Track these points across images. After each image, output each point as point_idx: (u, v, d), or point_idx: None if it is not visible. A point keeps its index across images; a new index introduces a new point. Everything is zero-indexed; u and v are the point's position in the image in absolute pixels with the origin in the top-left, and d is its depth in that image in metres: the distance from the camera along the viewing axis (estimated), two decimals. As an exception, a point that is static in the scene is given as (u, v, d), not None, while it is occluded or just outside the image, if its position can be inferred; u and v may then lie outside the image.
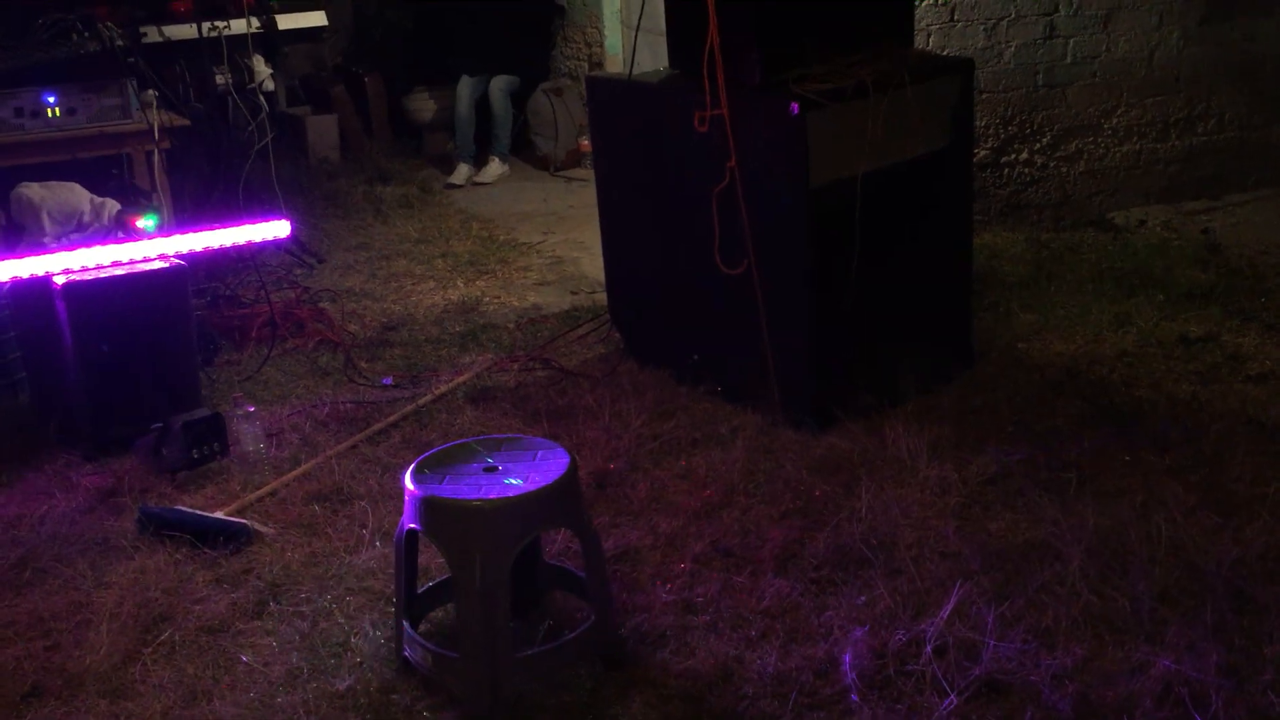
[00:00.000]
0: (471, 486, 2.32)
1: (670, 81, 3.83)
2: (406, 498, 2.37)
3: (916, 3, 4.56)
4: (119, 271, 3.46)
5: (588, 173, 6.39)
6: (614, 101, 4.10)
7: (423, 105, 7.93)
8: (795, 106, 3.29)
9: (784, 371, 3.58)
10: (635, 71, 3.97)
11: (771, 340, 3.58)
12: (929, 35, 4.99)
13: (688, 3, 3.54)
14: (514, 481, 2.33)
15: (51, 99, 4.11)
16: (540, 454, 2.45)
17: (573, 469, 2.39)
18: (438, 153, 7.74)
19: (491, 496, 2.28)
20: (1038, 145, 5.34)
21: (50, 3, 4.90)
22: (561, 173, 7.24)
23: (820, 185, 3.38)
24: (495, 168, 7.22)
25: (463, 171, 7.17)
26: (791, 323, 3.53)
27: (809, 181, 3.35)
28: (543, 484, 2.32)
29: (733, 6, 3.42)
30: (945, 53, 4.94)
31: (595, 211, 4.30)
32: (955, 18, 5.06)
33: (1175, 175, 5.59)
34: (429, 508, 2.31)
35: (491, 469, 2.40)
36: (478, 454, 2.46)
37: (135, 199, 4.06)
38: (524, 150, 7.53)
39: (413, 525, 2.37)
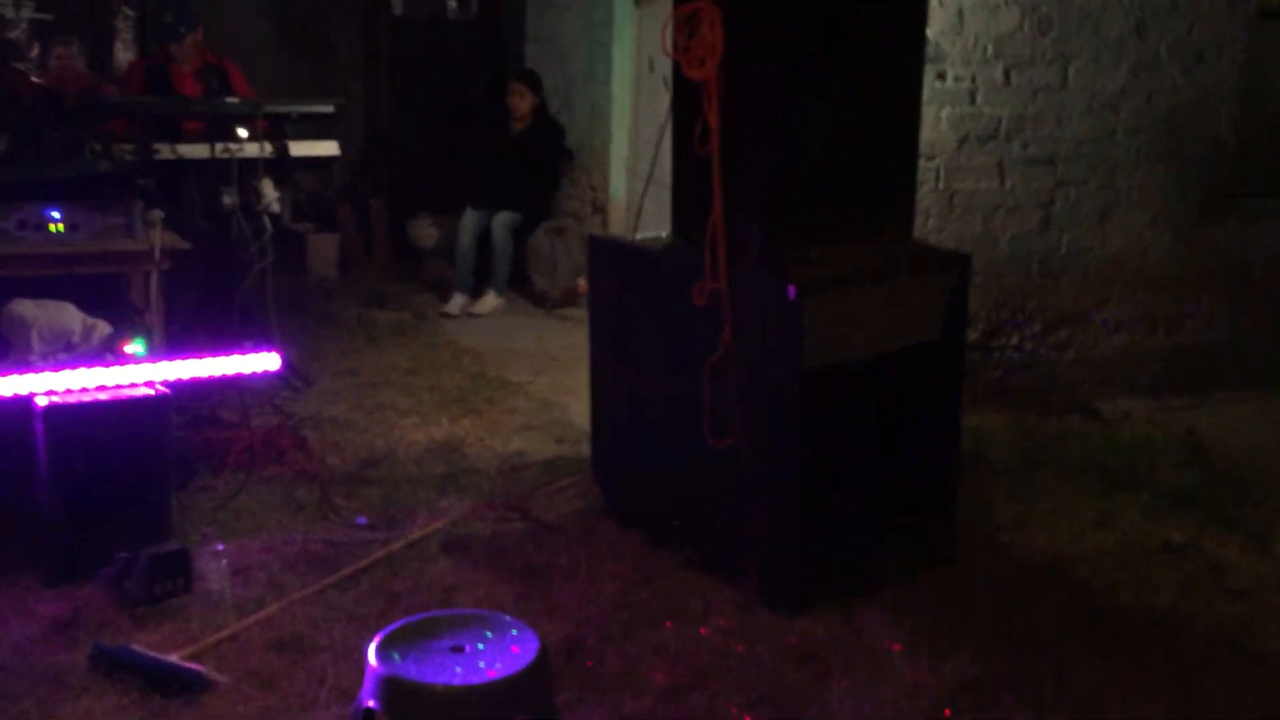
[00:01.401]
0: (437, 668, 2.26)
1: (671, 250, 3.87)
2: (368, 673, 2.31)
3: (918, 189, 4.65)
4: (101, 395, 3.43)
5: (582, 313, 6.42)
6: (614, 262, 4.14)
7: (425, 231, 8.03)
8: (793, 290, 3.33)
9: (763, 550, 3.54)
10: (639, 223, 4.03)
11: (753, 518, 3.55)
12: (928, 218, 5.09)
13: (694, 173, 3.61)
14: (481, 665, 2.27)
15: (56, 214, 4.14)
16: (509, 636, 2.40)
17: (542, 656, 2.34)
18: (436, 278, 7.81)
19: (455, 684, 2.21)
20: (1029, 331, 5.40)
21: (71, 118, 4.99)
22: (557, 311, 7.29)
23: (813, 368, 3.39)
24: (491, 300, 7.27)
25: (458, 301, 7.22)
26: (774, 502, 3.50)
27: (802, 364, 3.37)
28: (510, 671, 2.26)
29: (738, 183, 3.49)
30: (943, 236, 5.04)
31: (587, 355, 4.31)
32: (954, 204, 5.17)
33: (1162, 370, 5.64)
34: (391, 687, 2.25)
35: (458, 649, 2.34)
36: (445, 631, 2.40)
37: (129, 318, 4.05)
38: (521, 285, 7.60)
39: (372, 703, 2.30)
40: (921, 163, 4.82)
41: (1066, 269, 5.40)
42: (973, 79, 5.19)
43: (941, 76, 5.13)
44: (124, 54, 7.15)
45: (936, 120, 5.15)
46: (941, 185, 5.20)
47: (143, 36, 7.21)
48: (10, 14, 6.69)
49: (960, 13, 5.13)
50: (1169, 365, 5.65)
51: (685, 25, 3.57)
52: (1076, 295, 5.44)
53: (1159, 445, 4.98)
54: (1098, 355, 5.54)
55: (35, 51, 6.73)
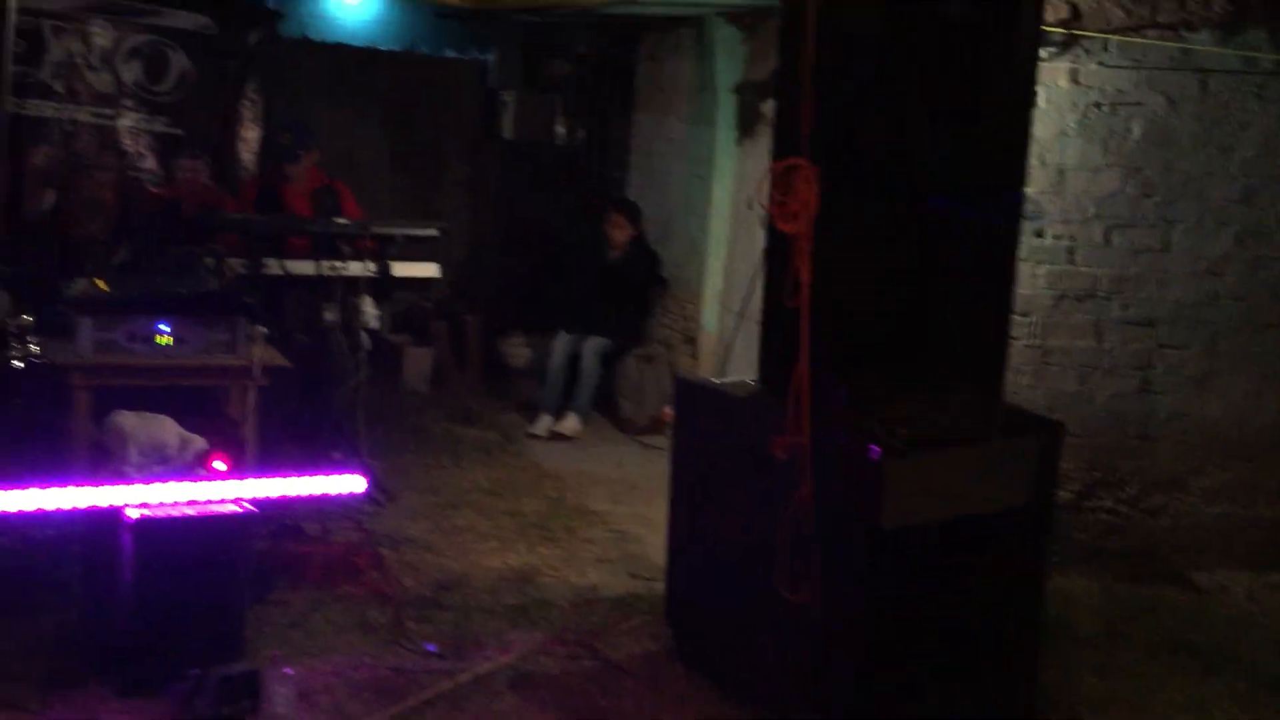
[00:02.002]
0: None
1: (756, 397, 3.87)
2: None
3: (1011, 345, 4.61)
4: (189, 511, 3.51)
5: (667, 442, 6.44)
6: (699, 403, 4.15)
7: (517, 351, 8.15)
8: (875, 450, 3.29)
9: (833, 708, 3.45)
10: (729, 359, 4.04)
11: (823, 674, 3.46)
12: (1021, 374, 5.03)
13: (783, 323, 3.63)
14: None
15: (165, 328, 4.31)
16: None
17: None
18: (524, 398, 7.89)
19: None
20: (1122, 495, 5.25)
21: (188, 232, 5.22)
22: (641, 438, 7.30)
23: (892, 529, 3.34)
24: (576, 424, 7.32)
25: (545, 423, 7.28)
26: (845, 660, 3.42)
27: (880, 525, 3.32)
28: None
29: (825, 339, 3.49)
30: (1036, 394, 4.96)
31: (667, 486, 4.29)
32: (1049, 361, 5.10)
33: (1263, 543, 5.42)
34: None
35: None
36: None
37: (224, 432, 4.16)
38: (608, 410, 7.64)
39: None
40: (1016, 319, 4.78)
41: (1164, 433, 5.26)
42: (1072, 238, 5.16)
43: (1040, 234, 5.12)
44: (246, 171, 7.47)
45: (1033, 276, 5.12)
46: (1036, 342, 5.15)
47: (265, 156, 7.53)
48: (142, 126, 7.06)
49: (1061, 172, 5.13)
50: (1271, 537, 5.43)
51: (781, 180, 3.62)
52: (1174, 460, 5.29)
53: (1259, 626, 4.76)
54: (1194, 523, 5.36)
55: (152, 162, 7.07)
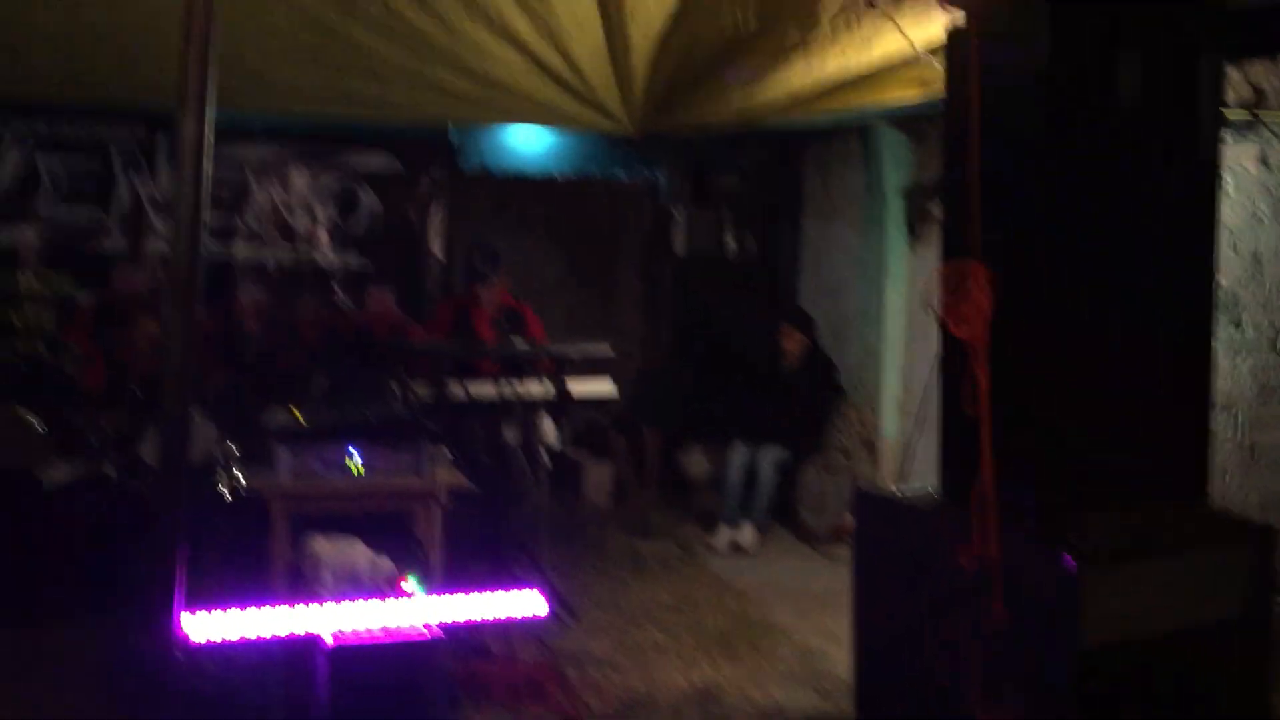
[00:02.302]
0: None
1: (938, 507, 3.76)
2: None
3: (1213, 443, 4.35)
4: (381, 637, 3.60)
5: (850, 552, 6.30)
6: (879, 513, 4.05)
7: (695, 463, 8.16)
8: (1070, 560, 3.14)
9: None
10: (910, 464, 3.94)
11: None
12: (1226, 474, 4.73)
13: (962, 431, 3.52)
14: None
15: (355, 453, 4.50)
16: None
17: None
18: (703, 510, 7.87)
19: None
20: (1352, 601, 4.83)
21: (379, 359, 5.48)
22: (823, 548, 7.16)
23: (1092, 647, 3.15)
24: (754, 535, 7.24)
25: (724, 535, 7.22)
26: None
27: (1079, 642, 3.14)
28: None
29: (1008, 447, 3.37)
30: (1245, 494, 4.65)
31: (852, 599, 4.17)
32: (1257, 458, 4.79)
33: None
34: None
35: None
36: None
37: (411, 553, 4.29)
38: (787, 520, 7.54)
39: None
40: (1217, 415, 4.52)
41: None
42: (1272, 326, 4.88)
43: (1238, 324, 4.86)
44: (431, 298, 7.83)
45: (1233, 369, 4.84)
46: (1241, 438, 4.84)
47: (447, 282, 7.88)
48: (336, 261, 7.50)
49: (1257, 259, 4.88)
50: None
51: (952, 283, 3.56)
52: None
53: None
54: None
55: (345, 294, 7.47)
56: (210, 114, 1.69)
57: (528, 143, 9.08)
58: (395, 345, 6.11)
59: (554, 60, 4.81)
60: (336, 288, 7.51)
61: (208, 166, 1.69)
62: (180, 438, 1.90)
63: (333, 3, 4.22)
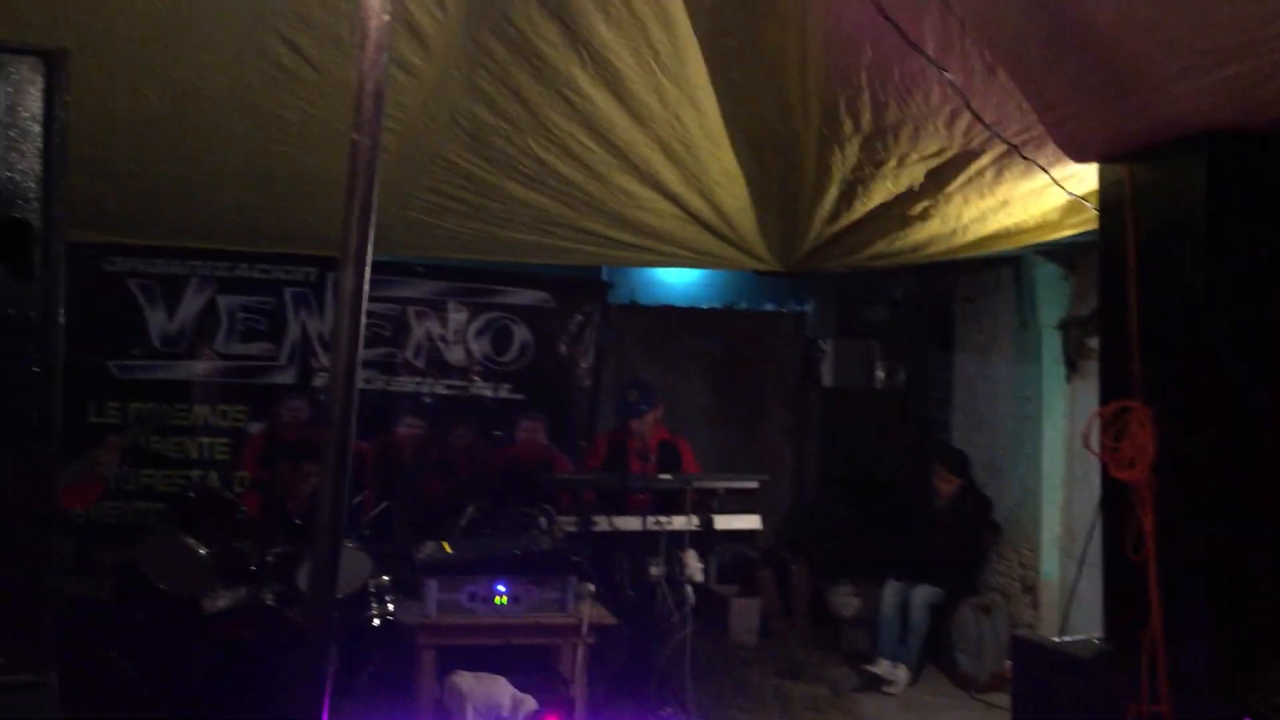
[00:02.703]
0: None
1: (1102, 658, 3.55)
2: None
3: None
4: (521, 775, 3.58)
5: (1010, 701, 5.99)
6: (1040, 665, 3.85)
7: (845, 600, 7.93)
8: (1250, 723, 2.92)
9: None
10: (1072, 610, 3.75)
11: None
12: None
13: (1127, 577, 3.35)
14: None
15: (502, 587, 4.54)
16: None
17: None
18: (854, 649, 7.62)
19: None
20: None
21: (527, 492, 5.55)
22: (981, 696, 6.82)
23: (1280, 819, 2.90)
24: (906, 678, 6.97)
25: (875, 677, 6.97)
26: None
27: (1265, 813, 2.89)
28: None
29: (1178, 595, 3.18)
30: None
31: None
32: None
33: None
34: None
35: None
36: None
37: (554, 689, 4.26)
38: (942, 663, 7.23)
39: None
40: None
41: None
42: None
43: None
44: (581, 430, 7.94)
45: None
46: None
47: (596, 414, 7.98)
48: (489, 393, 7.70)
49: None
50: None
51: (1113, 423, 3.43)
52: None
53: None
54: None
55: (496, 427, 7.63)
56: (367, 269, 1.78)
57: (677, 276, 9.24)
58: (543, 478, 6.17)
59: (703, 209, 4.92)
60: (487, 420, 7.68)
61: (364, 317, 1.77)
62: (330, 569, 1.95)
63: (490, 163, 4.41)
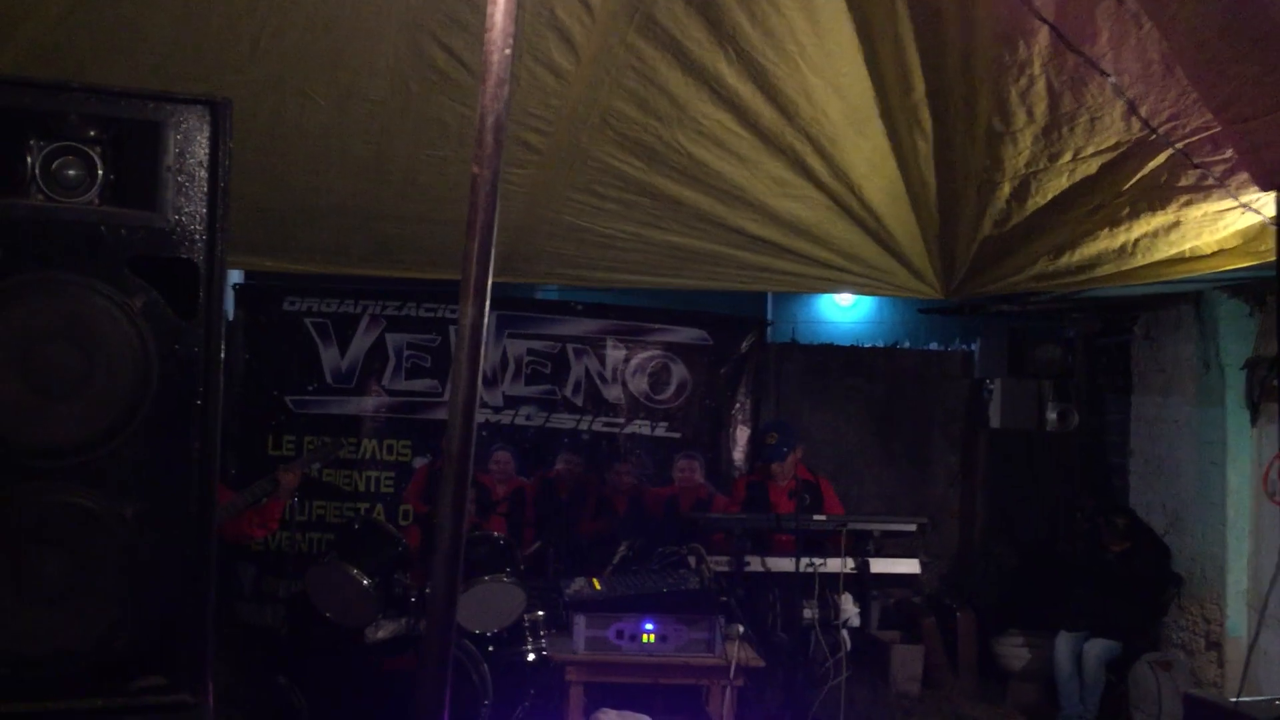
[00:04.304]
0: None
1: (1285, 723, 3.30)
2: None
3: None
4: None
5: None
6: (1216, 726, 3.61)
7: (1014, 651, 7.61)
8: None
9: None
10: (1253, 667, 3.50)
11: None
12: None
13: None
14: None
15: (650, 626, 4.52)
16: None
17: None
18: (1023, 703, 7.29)
19: None
20: None
21: (680, 533, 5.53)
22: (1163, 759, 6.43)
23: None
24: (1082, 736, 6.63)
25: (1056, 729, 6.67)
26: None
27: None
28: None
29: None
30: None
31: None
32: None
33: None
34: None
35: None
36: None
37: (701, 729, 4.21)
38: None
39: None
40: None
41: None
42: None
43: None
44: (737, 469, 7.89)
45: None
46: None
47: (754, 454, 7.91)
48: (645, 432, 7.73)
49: None
50: None
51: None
52: None
53: None
54: None
55: (652, 465, 7.65)
56: (487, 302, 1.81)
57: (839, 314, 9.13)
58: (694, 517, 6.15)
59: (852, 204, 4.83)
60: (644, 458, 7.71)
61: (483, 351, 1.79)
62: (449, 601, 1.97)
63: (639, 159, 4.45)
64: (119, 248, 2.52)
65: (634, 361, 7.77)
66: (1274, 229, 3.85)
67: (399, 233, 5.24)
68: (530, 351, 7.65)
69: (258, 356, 7.43)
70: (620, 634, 4.53)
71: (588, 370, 7.71)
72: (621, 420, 7.73)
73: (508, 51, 1.89)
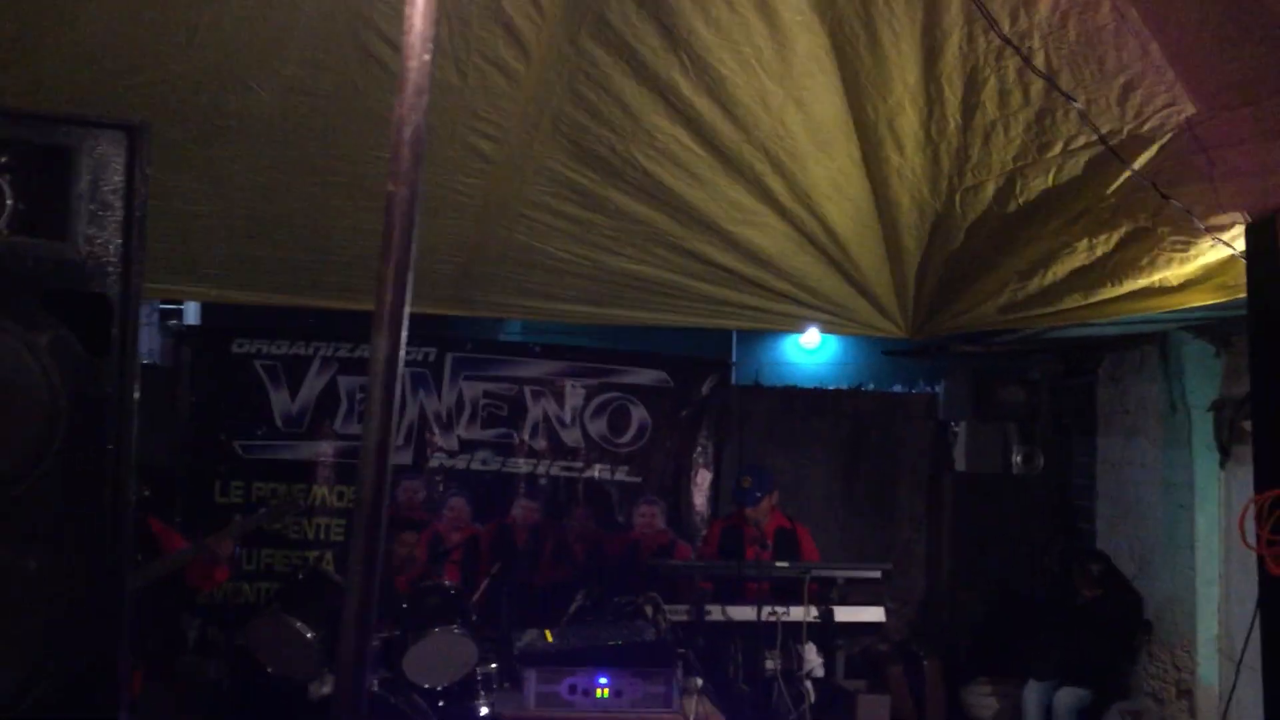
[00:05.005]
0: None
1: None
2: None
3: None
4: None
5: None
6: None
7: (982, 700, 7.46)
8: None
9: None
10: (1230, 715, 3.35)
11: None
12: None
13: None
14: None
15: (604, 680, 4.32)
16: None
17: None
18: (992, 755, 7.13)
19: None
20: None
21: (638, 579, 5.35)
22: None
23: None
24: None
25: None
26: None
27: None
28: None
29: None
30: None
31: None
32: None
33: None
34: None
35: None
36: None
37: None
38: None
39: None
40: None
41: None
42: None
43: None
44: (699, 514, 7.72)
45: None
46: None
47: (717, 499, 7.74)
48: (604, 477, 7.55)
49: None
50: None
51: (1270, 514, 3.08)
52: None
53: None
54: None
55: (613, 510, 7.46)
56: (403, 332, 1.65)
57: (803, 356, 9.02)
58: (654, 565, 5.96)
59: (816, 231, 4.70)
60: (604, 503, 7.52)
61: (398, 385, 1.63)
62: (359, 663, 1.78)
63: (594, 171, 4.30)
64: (26, 281, 2.36)
65: (593, 404, 7.59)
66: (1243, 262, 3.75)
67: (349, 248, 5.03)
68: (487, 394, 7.45)
69: (205, 400, 7.20)
70: (573, 689, 4.32)
71: (545, 413, 7.53)
72: (580, 464, 7.54)
73: (426, 57, 1.74)
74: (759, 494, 6.11)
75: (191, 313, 9.40)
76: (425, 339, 7.39)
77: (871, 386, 9.29)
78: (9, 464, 2.33)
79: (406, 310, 1.61)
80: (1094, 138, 3.57)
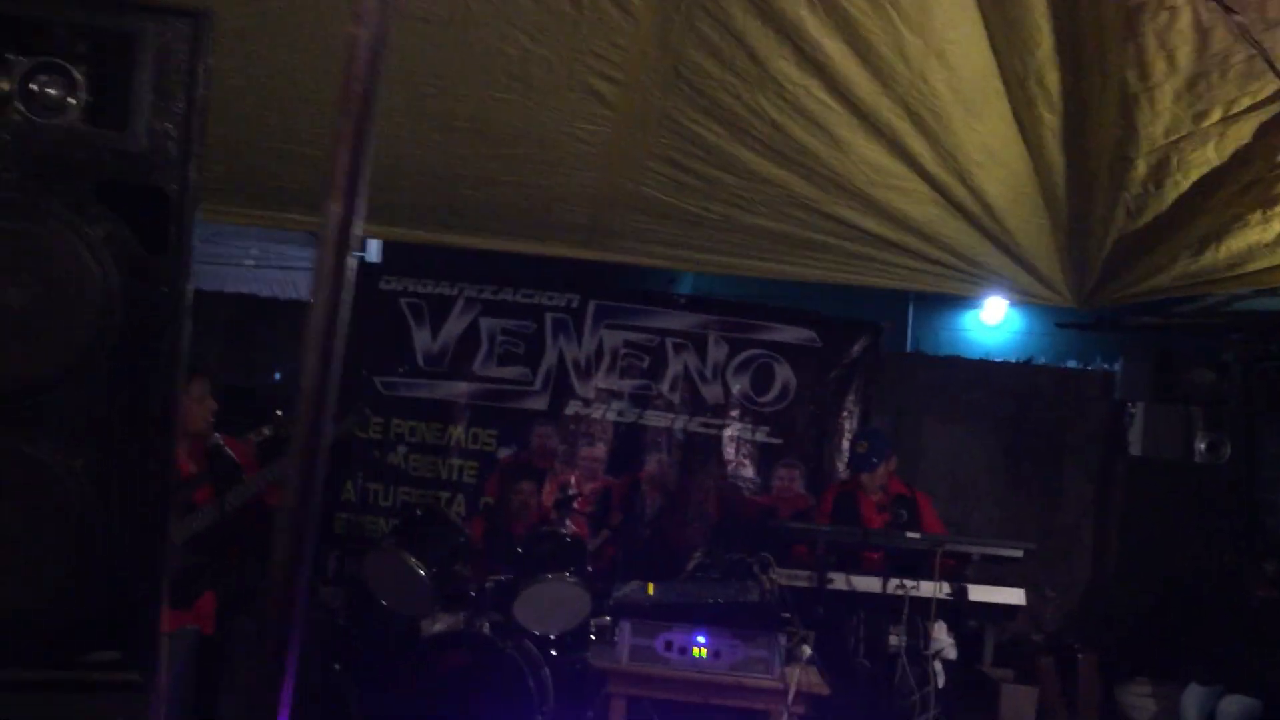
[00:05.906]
0: None
1: None
2: None
3: None
4: None
5: None
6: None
7: (1140, 701, 6.93)
8: None
9: None
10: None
11: None
12: None
13: None
14: None
15: (702, 639, 4.09)
16: None
17: None
18: (1148, 760, 6.60)
19: None
20: None
21: (755, 539, 5.10)
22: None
23: None
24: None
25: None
26: None
27: None
28: None
29: None
30: None
31: None
32: None
33: None
34: None
35: None
36: None
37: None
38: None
39: None
40: None
41: None
42: None
43: None
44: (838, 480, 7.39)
45: None
46: None
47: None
48: (745, 436, 7.28)
49: None
50: None
51: None
52: None
53: None
54: None
55: (751, 471, 7.20)
56: (359, 199, 1.45)
57: (967, 326, 8.52)
58: (774, 526, 5.68)
59: (965, 198, 4.32)
60: (743, 463, 7.26)
61: (350, 258, 1.44)
62: (293, 582, 1.58)
63: (720, 125, 4.05)
64: (83, 171, 2.28)
65: (736, 360, 7.31)
66: None
67: (473, 195, 4.93)
68: (627, 343, 7.26)
69: (351, 335, 7.22)
70: (669, 645, 4.11)
71: (686, 366, 7.29)
72: (720, 422, 7.29)
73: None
74: (875, 460, 5.75)
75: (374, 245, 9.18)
76: (569, 285, 7.27)
77: (1043, 361, 8.72)
78: (60, 362, 2.27)
79: (364, 174, 1.41)
80: (1266, 93, 3.11)
